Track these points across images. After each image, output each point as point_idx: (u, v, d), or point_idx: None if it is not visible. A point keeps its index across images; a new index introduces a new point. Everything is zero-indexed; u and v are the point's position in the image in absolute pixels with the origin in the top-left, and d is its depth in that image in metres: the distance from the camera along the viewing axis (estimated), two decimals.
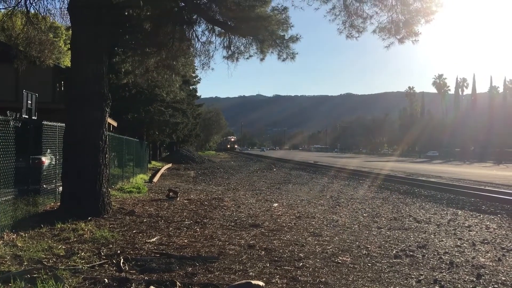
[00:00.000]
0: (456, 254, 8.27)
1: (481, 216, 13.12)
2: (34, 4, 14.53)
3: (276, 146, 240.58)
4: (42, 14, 15.40)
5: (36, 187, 11.79)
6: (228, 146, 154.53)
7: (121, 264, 6.76)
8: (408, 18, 11.93)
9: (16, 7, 15.03)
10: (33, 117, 14.54)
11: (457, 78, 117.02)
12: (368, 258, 7.77)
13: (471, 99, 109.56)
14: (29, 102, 14.61)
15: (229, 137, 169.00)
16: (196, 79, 55.05)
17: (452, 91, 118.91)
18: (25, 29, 14.74)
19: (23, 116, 14.04)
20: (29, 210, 10.56)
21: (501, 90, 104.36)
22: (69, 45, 17.27)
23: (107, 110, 11.76)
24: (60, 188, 11.90)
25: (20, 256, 7.08)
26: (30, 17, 14.62)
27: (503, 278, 6.71)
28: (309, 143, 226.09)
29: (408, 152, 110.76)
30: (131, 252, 7.74)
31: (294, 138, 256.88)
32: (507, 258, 7.98)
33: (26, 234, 8.58)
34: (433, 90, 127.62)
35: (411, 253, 8.23)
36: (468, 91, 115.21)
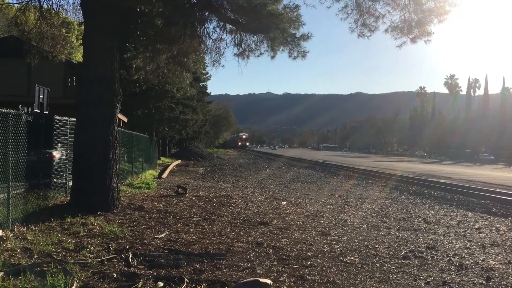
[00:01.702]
0: (465, 256, 8.21)
1: (491, 218, 13.00)
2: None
3: (285, 144, 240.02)
4: (55, 9, 15.52)
5: (47, 181, 11.90)
6: (239, 143, 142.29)
7: (130, 259, 6.80)
8: (421, 18, 11.82)
9: (29, 2, 15.15)
10: (44, 112, 14.63)
11: (469, 79, 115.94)
12: (377, 259, 7.74)
13: (483, 100, 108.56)
14: (41, 96, 14.70)
15: (240, 133, 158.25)
16: (207, 76, 55.08)
17: (464, 92, 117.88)
18: (38, 24, 14.84)
19: (35, 110, 14.14)
20: (39, 203, 10.65)
21: None
22: (81, 40, 17.38)
23: (118, 105, 11.82)
24: (70, 183, 11.98)
25: (30, 249, 7.15)
26: (43, 12, 14.72)
27: None
28: (318, 141, 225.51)
29: (419, 153, 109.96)
30: (140, 247, 7.78)
31: (303, 137, 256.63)
32: None
33: (36, 228, 8.66)
34: (444, 90, 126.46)
35: (420, 254, 8.18)
36: (480, 92, 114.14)
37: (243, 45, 13.76)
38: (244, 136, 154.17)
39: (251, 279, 5.87)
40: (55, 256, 6.81)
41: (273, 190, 18.89)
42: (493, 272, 7.12)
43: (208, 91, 64.59)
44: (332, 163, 48.34)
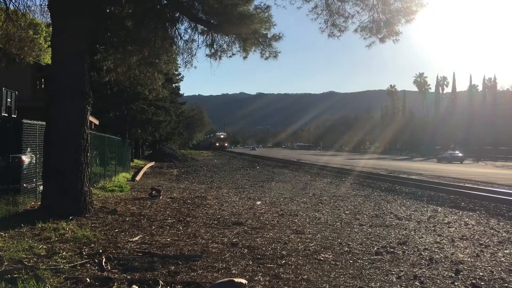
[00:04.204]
0: (435, 250, 8.42)
1: (460, 213, 13.36)
2: (13, 1, 14.34)
3: (260, 144, 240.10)
4: (22, 11, 15.21)
5: (16, 186, 11.63)
6: (217, 144, 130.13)
7: (103, 264, 6.73)
8: (389, 18, 12.06)
9: None
10: (12, 115, 14.33)
11: (437, 77, 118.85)
12: (350, 255, 7.86)
13: (451, 98, 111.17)
14: (9, 100, 14.40)
15: (217, 133, 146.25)
16: (179, 77, 54.85)
17: (432, 90, 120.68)
18: (5, 26, 14.52)
19: (3, 114, 13.83)
20: (9, 209, 10.42)
21: (480, 88, 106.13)
22: (49, 42, 17.05)
23: (89, 108, 11.66)
24: (41, 187, 11.76)
25: (0, 256, 6.99)
26: (9, 14, 14.41)
27: (481, 274, 6.86)
28: (292, 141, 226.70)
29: (390, 150, 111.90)
30: (113, 251, 7.70)
31: (277, 136, 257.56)
32: (485, 254, 8.16)
33: (6, 234, 8.47)
34: (414, 88, 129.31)
35: (391, 249, 8.35)
36: (448, 89, 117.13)
37: (215, 46, 13.78)
38: (222, 136, 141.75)
39: (226, 279, 5.90)
40: (26, 263, 6.67)
41: (247, 190, 18.94)
42: (462, 265, 7.32)
43: (181, 92, 64.47)
44: (306, 162, 48.71)
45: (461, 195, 17.62)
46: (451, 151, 65.11)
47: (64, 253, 7.37)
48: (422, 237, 9.65)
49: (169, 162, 46.71)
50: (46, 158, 11.25)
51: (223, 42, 13.77)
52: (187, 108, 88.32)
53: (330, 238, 9.34)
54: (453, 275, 6.78)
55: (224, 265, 6.92)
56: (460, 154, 61.59)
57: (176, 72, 48.68)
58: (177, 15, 13.32)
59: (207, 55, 13.98)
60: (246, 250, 8.00)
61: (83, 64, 11.43)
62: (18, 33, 14.88)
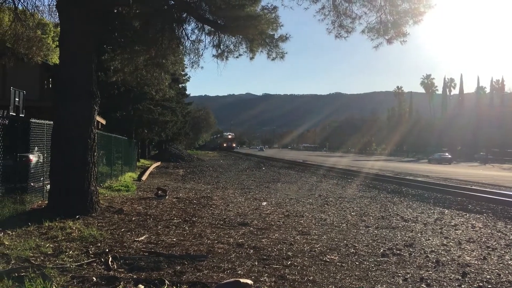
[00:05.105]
0: (442, 252, 8.37)
1: (467, 215, 13.28)
2: (22, 1, 14.43)
3: (266, 145, 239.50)
4: (30, 11, 15.31)
5: (24, 185, 11.71)
6: (224, 144, 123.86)
7: (110, 263, 6.75)
8: (396, 19, 12.01)
9: (3, 3, 14.90)
10: (20, 115, 14.41)
11: (444, 78, 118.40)
12: (356, 257, 7.83)
13: (459, 99, 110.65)
14: (17, 99, 14.47)
15: (225, 133, 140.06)
16: (186, 77, 55.01)
17: (440, 91, 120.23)
18: (13, 26, 14.62)
19: (11, 113, 13.91)
20: (16, 208, 10.48)
21: (488, 90, 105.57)
22: (57, 42, 17.16)
23: (96, 108, 11.70)
24: (48, 186, 11.82)
25: (7, 254, 7.03)
26: (18, 14, 14.51)
27: (488, 277, 6.81)
28: (298, 142, 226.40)
29: (397, 152, 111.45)
30: (120, 250, 7.72)
31: (283, 137, 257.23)
32: (492, 257, 8.10)
33: (14, 233, 8.52)
34: (421, 90, 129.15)
35: (398, 251, 8.31)
36: (455, 91, 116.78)
37: (221, 47, 13.79)
38: (230, 136, 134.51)
39: (232, 279, 5.90)
40: (33, 261, 6.71)
41: (253, 191, 18.93)
42: (468, 268, 7.28)
43: (187, 92, 64.59)
44: (312, 163, 48.63)
45: (468, 197, 17.52)
46: (441, 153, 69.76)
47: (70, 252, 7.40)
48: (429, 239, 9.60)
49: (175, 162, 46.80)
50: (53, 157, 11.31)
51: (230, 43, 13.79)
52: (193, 109, 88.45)
53: (336, 239, 9.32)
54: (460, 277, 6.74)
55: (229, 266, 6.93)
56: (449, 156, 66.67)
57: (183, 73, 48.88)
58: (184, 15, 13.34)
59: (213, 55, 14.01)
60: (251, 251, 8.00)
61: (91, 64, 11.49)
62: (26, 33, 14.97)
